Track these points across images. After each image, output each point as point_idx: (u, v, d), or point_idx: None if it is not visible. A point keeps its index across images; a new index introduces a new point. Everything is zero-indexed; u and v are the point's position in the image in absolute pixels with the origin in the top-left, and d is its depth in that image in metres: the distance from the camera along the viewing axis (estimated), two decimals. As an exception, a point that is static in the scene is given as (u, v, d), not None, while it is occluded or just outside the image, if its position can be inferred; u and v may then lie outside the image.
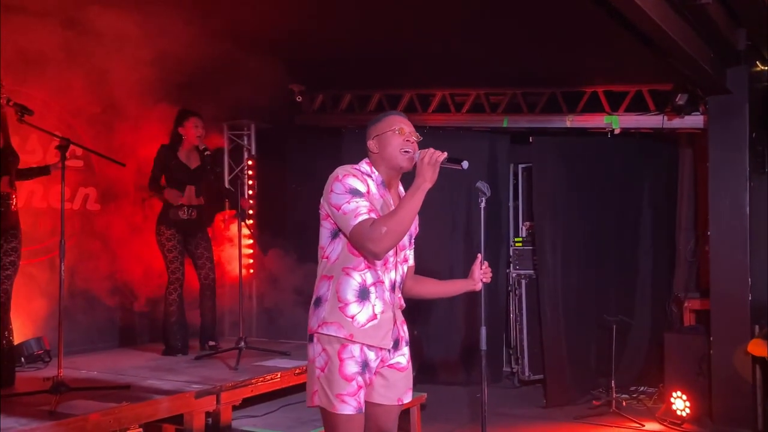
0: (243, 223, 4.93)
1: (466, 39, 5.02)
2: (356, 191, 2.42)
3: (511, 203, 6.64)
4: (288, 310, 5.77)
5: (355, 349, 2.43)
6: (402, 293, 2.66)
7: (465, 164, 2.44)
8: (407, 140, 2.54)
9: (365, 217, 2.37)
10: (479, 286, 2.79)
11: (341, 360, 2.42)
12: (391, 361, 2.56)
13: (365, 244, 2.36)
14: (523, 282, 6.12)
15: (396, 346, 2.55)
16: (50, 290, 4.70)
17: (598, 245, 5.98)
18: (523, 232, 6.49)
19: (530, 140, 5.79)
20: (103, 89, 4.98)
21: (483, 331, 2.62)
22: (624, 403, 5.40)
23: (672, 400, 5.05)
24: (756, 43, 4.81)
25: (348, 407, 2.41)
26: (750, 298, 4.88)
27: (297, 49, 5.28)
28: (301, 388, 4.57)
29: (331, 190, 2.44)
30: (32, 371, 4.46)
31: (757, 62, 5.20)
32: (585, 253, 5.92)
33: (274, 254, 5.79)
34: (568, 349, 5.71)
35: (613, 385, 5.27)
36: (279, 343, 5.45)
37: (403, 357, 2.59)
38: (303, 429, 3.93)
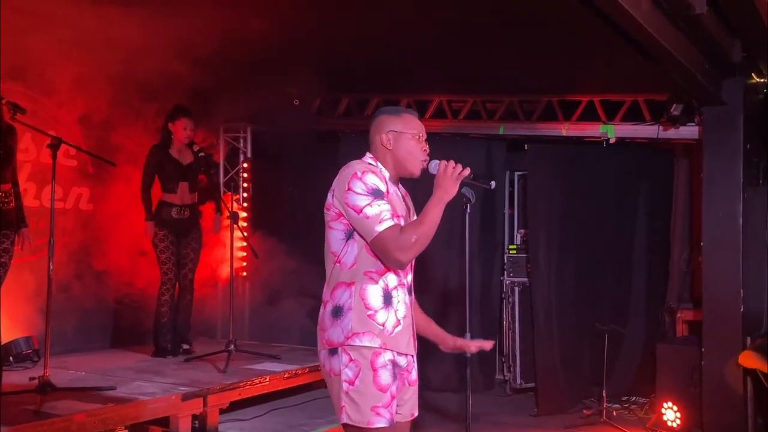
0: (235, 226, 4.92)
1: (463, 46, 5.02)
2: (378, 192, 2.29)
3: (506, 210, 6.63)
4: (281, 313, 5.76)
5: (387, 355, 2.30)
6: None
7: (492, 184, 2.41)
8: (424, 149, 2.46)
9: (391, 223, 2.25)
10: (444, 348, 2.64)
11: (375, 369, 2.27)
12: (411, 377, 2.46)
13: (392, 253, 2.24)
14: (517, 290, 6.11)
15: (413, 359, 2.45)
16: (41, 289, 4.69)
17: (592, 254, 5.97)
18: (518, 240, 6.48)
19: (526, 148, 5.79)
20: (99, 89, 4.99)
21: (467, 337, 2.60)
22: (615, 413, 5.39)
23: (663, 410, 5.03)
24: (751, 54, 4.81)
25: (382, 420, 2.27)
26: (742, 310, 4.86)
27: (295, 54, 5.28)
28: (290, 391, 4.57)
29: (349, 188, 2.28)
30: (20, 370, 4.44)
31: (753, 74, 5.20)
32: (579, 261, 5.91)
33: (268, 257, 5.77)
34: (561, 357, 5.69)
35: (604, 394, 5.25)
36: (270, 346, 5.44)
37: (414, 372, 2.50)
38: (293, 432, 3.92)
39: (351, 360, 2.27)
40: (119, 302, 5.53)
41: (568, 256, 5.85)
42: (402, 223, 2.34)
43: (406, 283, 2.42)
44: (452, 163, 2.35)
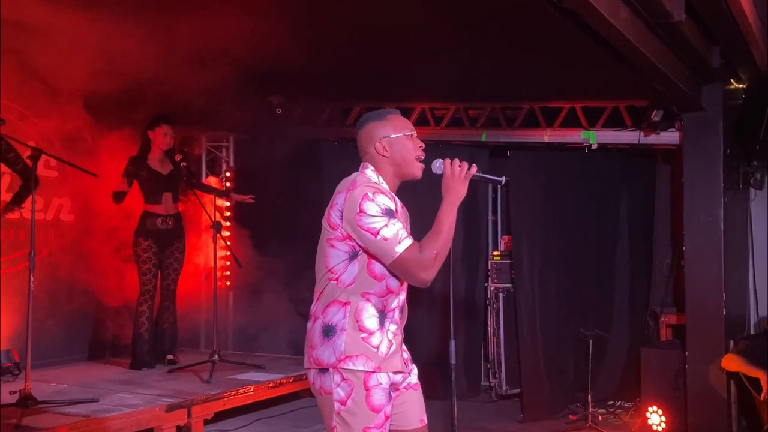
0: (218, 235, 4.89)
1: (445, 53, 5.04)
2: (391, 212, 2.20)
3: (490, 217, 6.65)
4: (265, 322, 5.72)
5: (382, 376, 2.24)
6: None
7: (504, 179, 2.37)
8: (420, 146, 2.39)
9: (410, 241, 2.19)
10: None
11: (368, 389, 2.20)
12: (411, 381, 2.42)
13: (417, 272, 2.17)
14: (501, 296, 6.12)
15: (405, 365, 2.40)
16: (21, 301, 4.63)
17: (576, 259, 6.00)
18: (502, 246, 6.50)
19: (508, 155, 5.82)
20: (78, 99, 4.95)
21: (452, 344, 2.58)
22: (600, 418, 5.40)
23: (648, 414, 5.05)
24: (730, 60, 4.87)
25: None
26: (725, 314, 4.90)
27: (277, 62, 5.27)
28: (275, 401, 4.54)
29: (362, 211, 2.19)
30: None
31: (732, 80, 5.27)
32: (563, 267, 5.93)
33: (252, 266, 5.74)
34: (546, 363, 5.70)
35: (589, 399, 5.26)
36: (254, 356, 5.41)
37: (414, 375, 2.45)
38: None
39: (343, 379, 2.21)
40: (100, 314, 5.48)
41: (551, 262, 5.87)
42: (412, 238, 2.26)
43: (401, 302, 2.38)
44: (457, 161, 2.28)
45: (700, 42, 4.42)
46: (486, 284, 6.33)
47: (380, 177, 2.37)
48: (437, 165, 2.31)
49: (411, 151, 2.38)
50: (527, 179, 5.86)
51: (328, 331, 2.24)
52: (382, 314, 2.28)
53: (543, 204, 5.89)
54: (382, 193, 2.26)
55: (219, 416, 4.08)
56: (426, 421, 2.46)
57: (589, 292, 6.05)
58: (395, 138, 2.37)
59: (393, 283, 2.29)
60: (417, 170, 2.39)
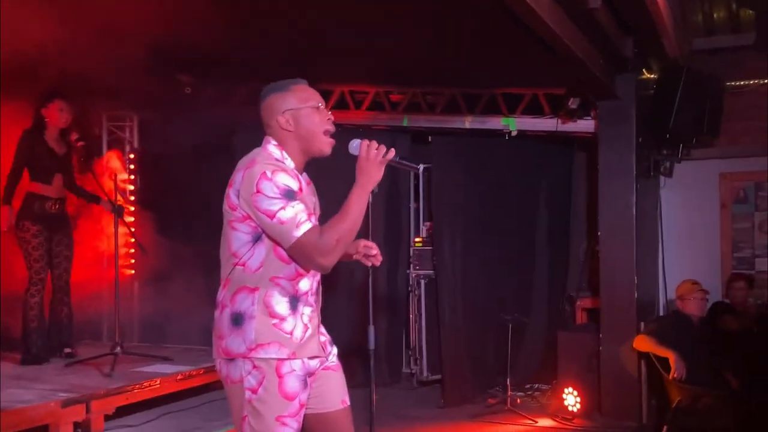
0: (120, 220, 4.59)
1: (365, 36, 4.95)
2: (291, 193, 2.07)
3: (411, 204, 6.63)
4: (173, 313, 5.47)
5: (296, 363, 2.13)
6: None
7: (421, 167, 2.28)
8: (328, 119, 2.24)
9: (309, 225, 2.05)
10: (354, 258, 2.49)
11: (281, 377, 2.10)
12: (329, 363, 2.32)
13: (315, 258, 2.06)
14: (423, 282, 6.12)
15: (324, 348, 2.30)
16: None
17: (496, 245, 6.06)
18: (424, 233, 6.50)
19: (430, 140, 5.80)
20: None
21: (371, 330, 2.51)
22: (519, 401, 5.49)
23: (564, 396, 5.17)
24: (643, 50, 5.01)
25: (289, 430, 2.11)
26: (636, 297, 5.07)
27: (189, 38, 5.03)
28: (184, 394, 4.35)
29: (258, 191, 2.06)
30: None
31: (644, 70, 5.43)
32: (484, 253, 5.99)
33: (159, 253, 5.45)
34: (467, 348, 5.75)
35: (508, 383, 5.34)
36: (162, 348, 5.14)
37: (333, 356, 2.36)
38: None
39: (255, 367, 2.10)
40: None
41: (472, 249, 5.92)
42: (315, 222, 2.13)
43: (315, 283, 2.27)
44: (374, 144, 2.15)
45: (614, 31, 4.52)
46: (408, 271, 6.31)
47: (284, 153, 2.22)
48: (354, 145, 2.20)
49: (318, 124, 2.23)
50: (449, 165, 5.88)
51: (238, 320, 2.13)
52: (294, 298, 2.17)
53: (464, 190, 5.92)
54: (283, 171, 2.11)
55: (122, 411, 3.85)
56: (348, 402, 2.37)
57: (509, 278, 6.14)
58: (300, 110, 2.22)
59: None
60: (325, 145, 2.25)
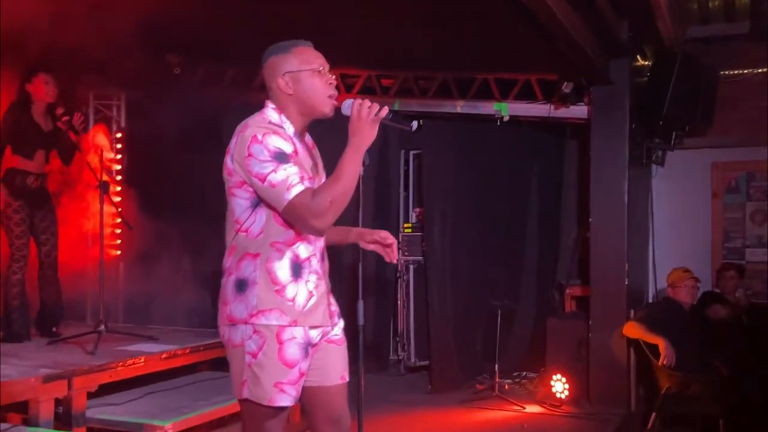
0: (105, 195, 4.51)
1: (356, 18, 4.87)
2: (282, 155, 2.04)
3: (401, 190, 6.57)
4: (159, 295, 5.39)
5: (297, 330, 2.11)
6: None
7: (414, 125, 2.18)
8: (330, 83, 2.20)
9: (301, 188, 2.01)
10: (369, 247, 2.44)
11: (281, 343, 2.08)
12: (330, 335, 2.27)
13: (308, 221, 2.03)
14: (412, 267, 6.08)
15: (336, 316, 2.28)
16: None
17: (486, 232, 6.02)
18: (413, 218, 6.44)
19: (420, 123, 5.72)
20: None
21: (360, 305, 2.44)
22: (507, 387, 5.46)
23: (552, 383, 5.14)
24: (638, 35, 4.96)
25: (287, 398, 2.09)
26: (626, 284, 5.04)
27: (179, 19, 4.95)
28: (170, 374, 4.27)
29: (249, 154, 2.04)
30: None
31: (638, 56, 5.39)
32: (473, 239, 5.94)
33: (145, 234, 5.36)
34: (455, 334, 5.70)
35: (497, 369, 5.30)
36: (147, 329, 5.06)
37: (339, 329, 2.32)
38: (169, 416, 3.63)
39: (255, 332, 2.09)
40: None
41: (462, 235, 5.87)
42: (310, 184, 2.09)
43: (319, 249, 2.23)
44: (367, 102, 2.09)
45: (609, 13, 4.47)
46: (397, 257, 6.25)
47: (282, 116, 2.19)
48: (346, 105, 2.14)
49: (319, 89, 2.19)
50: (439, 150, 5.82)
51: (241, 286, 2.12)
52: (297, 264, 2.15)
53: (454, 176, 5.87)
54: (275, 134, 2.09)
55: (106, 390, 3.77)
56: (347, 379, 2.34)
57: (499, 265, 6.09)
58: (300, 72, 2.17)
59: None
60: (325, 107, 2.20)
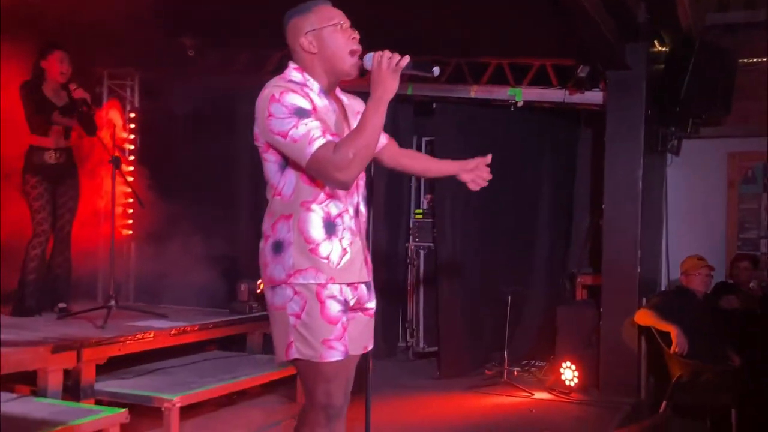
0: (117, 171, 4.50)
1: (369, 3, 4.82)
2: (302, 111, 2.05)
3: (413, 176, 6.53)
4: (170, 274, 5.38)
5: (335, 287, 2.14)
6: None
7: (436, 70, 2.14)
8: (353, 38, 2.19)
9: (323, 141, 2.01)
10: (465, 177, 2.61)
11: (322, 301, 2.11)
12: (367, 305, 2.31)
13: (331, 174, 2.02)
14: (422, 252, 6.04)
15: (369, 287, 2.30)
16: None
17: (498, 219, 5.96)
18: (424, 205, 6.41)
19: (434, 107, 5.70)
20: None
21: (370, 283, 2.40)
22: (516, 374, 5.42)
23: (561, 370, 5.09)
24: (656, 18, 4.87)
25: (336, 353, 2.12)
26: (639, 271, 4.98)
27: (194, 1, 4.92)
28: (179, 351, 4.27)
29: (270, 115, 2.06)
30: None
31: (656, 42, 5.31)
32: (484, 226, 5.89)
33: (156, 214, 5.35)
34: (464, 320, 5.67)
35: (506, 356, 5.26)
36: (158, 306, 5.06)
37: (374, 301, 2.35)
38: (176, 390, 3.63)
39: (296, 293, 2.12)
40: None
41: (473, 221, 5.82)
42: (332, 138, 2.08)
43: (351, 206, 2.23)
44: (387, 53, 2.06)
45: (628, -6, 4.40)
46: (407, 244, 6.23)
47: (305, 74, 2.19)
48: (368, 58, 2.12)
49: (341, 44, 2.17)
50: (452, 135, 5.77)
51: (278, 247, 2.16)
52: (329, 222, 2.16)
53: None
54: (292, 91, 2.09)
55: (115, 364, 3.76)
56: (370, 348, 2.38)
57: (510, 252, 6.04)
58: (320, 30, 2.17)
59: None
60: (347, 65, 2.18)
